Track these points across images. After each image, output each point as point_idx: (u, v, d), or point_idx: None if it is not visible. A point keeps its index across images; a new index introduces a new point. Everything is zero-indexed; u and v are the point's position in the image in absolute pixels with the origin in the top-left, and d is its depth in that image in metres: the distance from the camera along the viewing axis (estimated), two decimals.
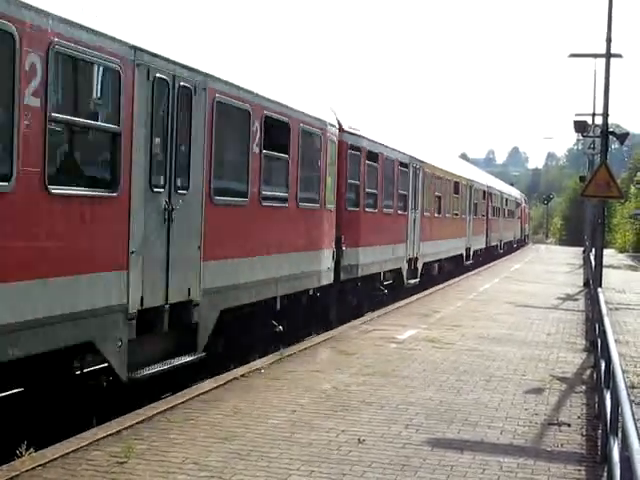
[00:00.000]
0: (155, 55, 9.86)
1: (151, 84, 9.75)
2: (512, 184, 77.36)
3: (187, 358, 10.74)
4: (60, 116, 8.24)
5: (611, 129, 21.40)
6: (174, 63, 10.29)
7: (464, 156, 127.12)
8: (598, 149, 26.21)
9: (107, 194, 9.05)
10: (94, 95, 9.56)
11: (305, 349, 13.84)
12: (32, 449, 7.53)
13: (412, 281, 24.48)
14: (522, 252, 60.12)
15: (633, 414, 5.65)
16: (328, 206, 16.58)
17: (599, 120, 27.42)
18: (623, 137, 26.68)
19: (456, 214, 33.15)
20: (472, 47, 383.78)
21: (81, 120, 8.87)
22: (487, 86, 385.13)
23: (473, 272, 34.86)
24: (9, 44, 7.43)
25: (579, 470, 7.94)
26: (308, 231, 15.56)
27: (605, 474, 7.56)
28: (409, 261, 24.15)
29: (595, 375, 11.93)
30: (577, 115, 36.73)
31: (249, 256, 12.78)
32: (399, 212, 22.95)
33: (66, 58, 8.35)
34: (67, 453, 7.64)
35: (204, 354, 11.16)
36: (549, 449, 8.61)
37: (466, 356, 13.87)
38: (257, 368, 11.86)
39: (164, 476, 7.17)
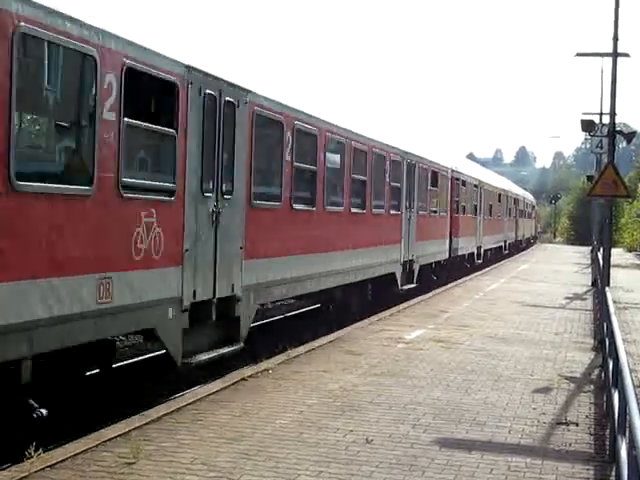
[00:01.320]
0: (409, 152, 22.61)
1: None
2: (525, 189, 78.23)
3: (412, 285, 23.02)
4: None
5: (618, 128, 21.46)
6: (411, 155, 23.01)
7: (471, 156, 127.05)
8: (605, 148, 26.15)
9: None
10: (390, 172, 20.95)
11: (312, 350, 13.87)
12: (41, 450, 7.56)
13: (479, 261, 36.90)
14: (530, 251, 60.03)
15: None
16: (448, 213, 29.24)
17: (606, 119, 27.40)
18: (630, 136, 26.70)
19: (499, 216, 44.99)
20: (478, 46, 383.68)
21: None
22: (494, 86, 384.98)
23: (480, 272, 34.86)
24: None
25: (587, 469, 7.93)
26: (441, 227, 28.14)
27: (613, 473, 7.56)
28: (477, 248, 36.57)
29: (603, 374, 11.92)
30: (584, 114, 36.64)
31: (426, 240, 24.95)
32: (474, 216, 35.56)
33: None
34: (76, 454, 7.66)
35: (417, 284, 23.45)
36: (557, 448, 8.61)
37: (474, 356, 13.87)
38: (265, 369, 11.88)
39: (173, 477, 7.19)
